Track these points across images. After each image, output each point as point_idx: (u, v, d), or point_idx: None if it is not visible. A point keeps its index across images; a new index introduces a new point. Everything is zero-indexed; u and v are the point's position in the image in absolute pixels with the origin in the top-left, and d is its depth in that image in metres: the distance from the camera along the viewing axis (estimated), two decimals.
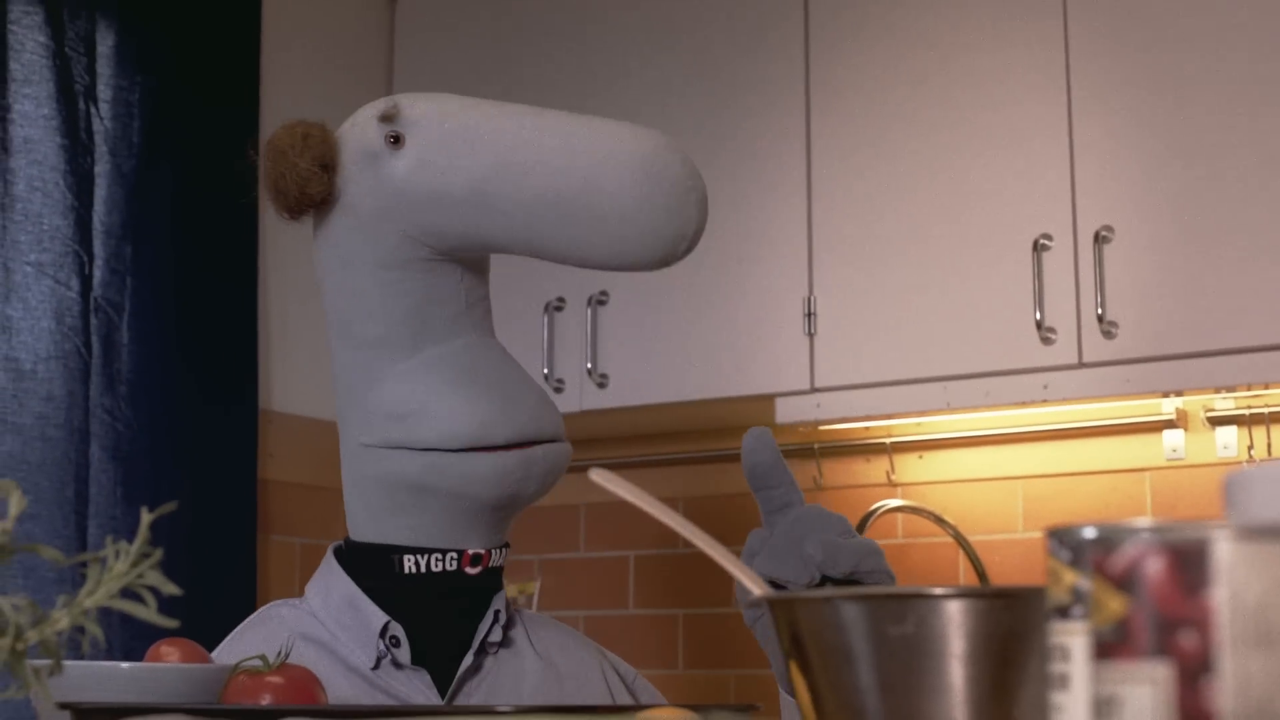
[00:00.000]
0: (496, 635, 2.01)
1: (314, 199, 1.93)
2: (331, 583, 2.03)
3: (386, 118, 1.92)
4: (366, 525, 2.01)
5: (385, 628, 1.96)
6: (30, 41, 3.65)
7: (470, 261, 1.99)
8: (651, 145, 1.85)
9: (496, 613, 2.02)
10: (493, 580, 2.03)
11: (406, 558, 1.98)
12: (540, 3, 4.36)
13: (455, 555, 1.98)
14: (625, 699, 2.13)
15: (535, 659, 2.05)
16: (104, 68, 3.82)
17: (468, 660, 1.98)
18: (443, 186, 1.89)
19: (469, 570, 1.99)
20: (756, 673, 4.18)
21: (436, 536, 1.97)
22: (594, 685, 2.09)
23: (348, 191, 1.93)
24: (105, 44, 3.83)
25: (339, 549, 2.08)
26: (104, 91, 3.82)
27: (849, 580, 1.70)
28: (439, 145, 1.90)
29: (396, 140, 1.91)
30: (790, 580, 1.67)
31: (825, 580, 1.70)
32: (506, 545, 2.05)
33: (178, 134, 3.93)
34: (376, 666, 1.94)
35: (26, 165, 3.62)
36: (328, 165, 1.92)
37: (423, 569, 1.97)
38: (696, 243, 1.87)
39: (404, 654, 1.95)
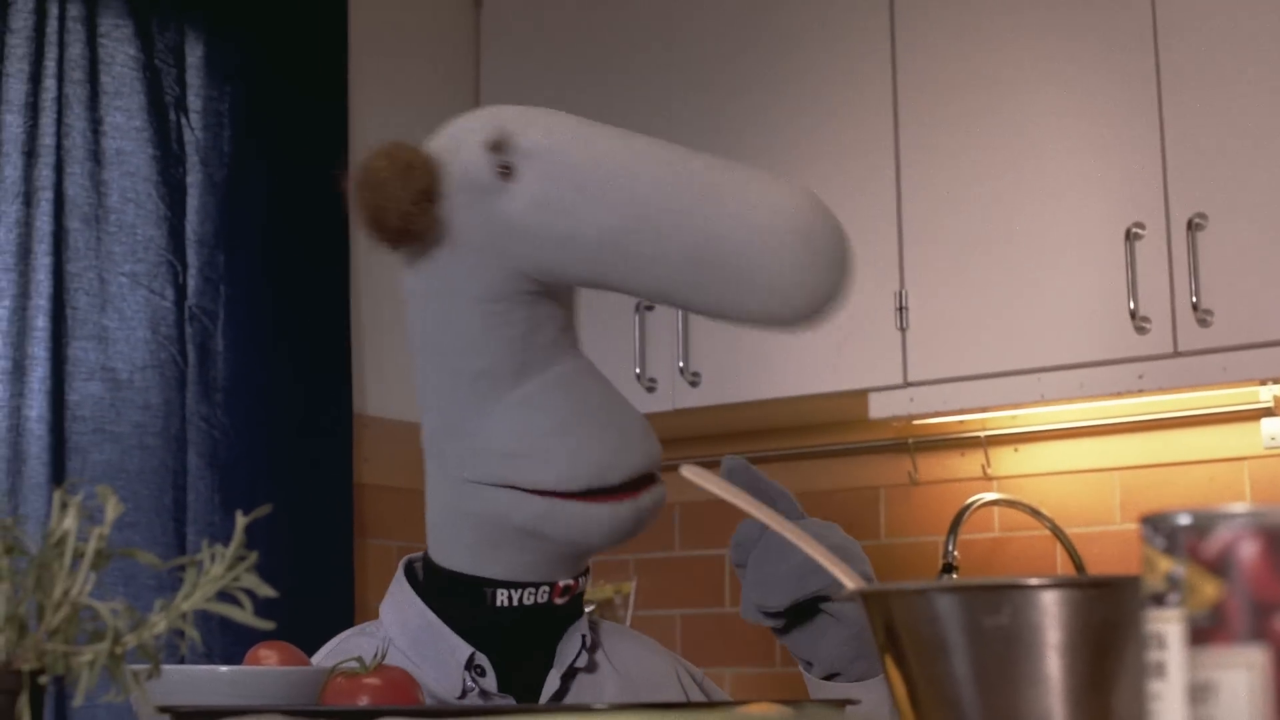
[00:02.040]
0: (583, 661, 2.00)
1: (417, 234, 1.83)
2: (407, 609, 2.01)
3: (496, 146, 1.82)
4: (458, 556, 1.97)
5: (470, 658, 1.95)
6: (120, 54, 3.68)
7: (563, 286, 1.94)
8: (807, 210, 1.78)
9: (583, 637, 2.01)
10: (574, 607, 2.02)
11: (499, 592, 1.95)
12: (625, 2, 4.36)
13: (548, 589, 1.96)
14: (699, 699, 2.12)
15: (613, 674, 2.04)
16: (193, 78, 3.86)
17: (554, 683, 1.97)
18: (568, 230, 1.80)
19: (558, 601, 1.98)
20: None
21: (532, 573, 1.95)
22: (671, 691, 2.08)
23: (453, 223, 1.84)
24: (194, 55, 3.86)
25: (410, 566, 2.07)
26: (194, 102, 3.85)
27: (806, 603, 1.78)
28: (559, 183, 1.81)
29: (508, 171, 1.81)
30: (766, 623, 1.77)
31: (779, 614, 1.79)
32: (588, 571, 2.04)
33: (267, 142, 3.95)
34: (463, 697, 1.92)
35: (119, 177, 3.65)
36: (432, 197, 1.82)
37: (514, 603, 1.95)
38: (841, 303, 1.83)
39: (490, 683, 1.94)
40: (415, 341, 1.97)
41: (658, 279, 1.81)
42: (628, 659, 2.08)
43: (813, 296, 1.78)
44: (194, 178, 3.81)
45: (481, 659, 1.94)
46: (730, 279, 1.77)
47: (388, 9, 4.48)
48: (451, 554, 1.98)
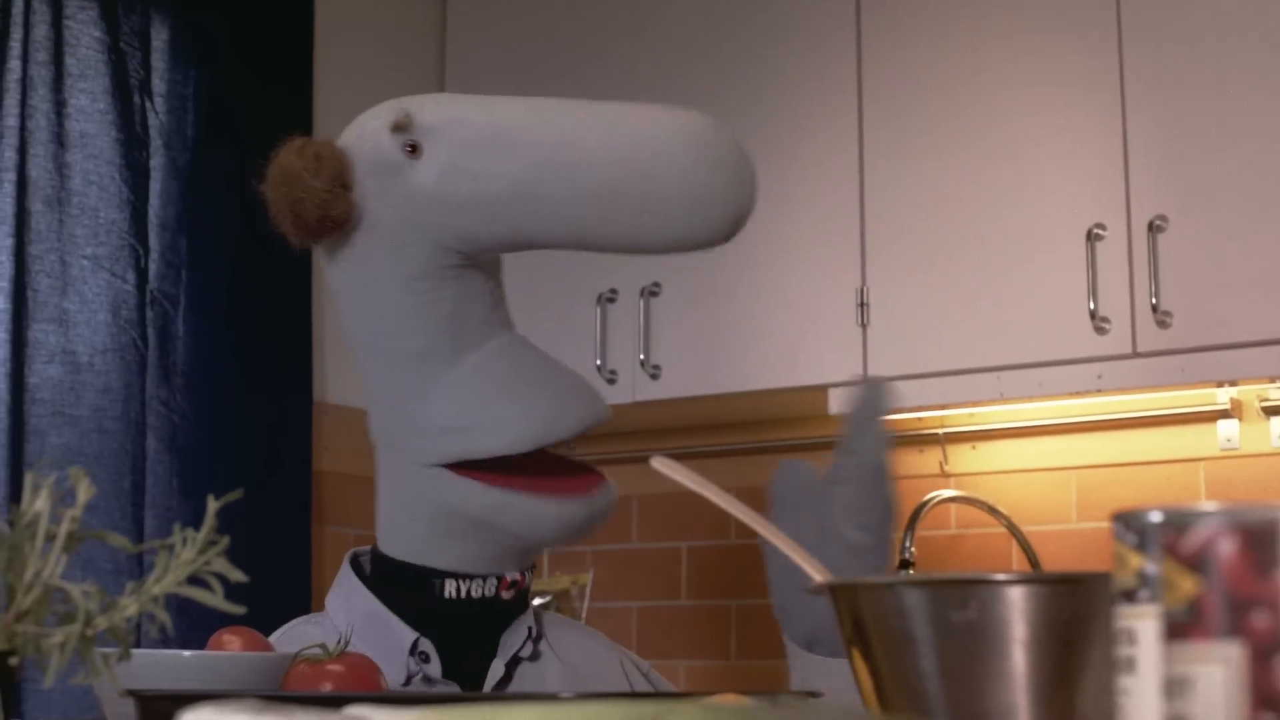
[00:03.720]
0: (527, 650, 2.01)
1: (336, 221, 1.87)
2: (353, 598, 2.02)
3: (399, 127, 1.87)
4: (408, 545, 1.98)
5: (415, 644, 1.95)
6: (85, 37, 3.67)
7: (487, 261, 1.97)
8: (702, 128, 1.86)
9: (529, 629, 2.02)
10: (522, 600, 2.03)
11: (447, 582, 1.96)
12: None
13: (495, 581, 1.97)
14: (645, 691, 2.13)
15: (556, 662, 2.05)
16: (158, 62, 3.84)
17: (497, 670, 1.97)
18: (480, 191, 1.85)
19: (505, 594, 1.99)
20: None
21: (479, 564, 1.96)
22: (616, 681, 2.09)
23: (368, 208, 1.88)
24: (159, 38, 3.85)
25: (356, 559, 2.07)
26: (158, 85, 3.84)
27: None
28: (466, 150, 1.86)
29: (414, 149, 1.87)
30: None
31: None
32: (533, 565, 2.05)
33: (232, 127, 3.94)
34: (407, 683, 1.93)
35: (82, 160, 3.64)
36: (345, 183, 1.86)
37: (462, 594, 1.96)
38: (748, 218, 1.87)
39: (435, 669, 1.94)
40: (350, 335, 2.00)
41: (572, 220, 1.86)
42: (572, 649, 2.09)
43: (722, 211, 1.84)
44: (157, 161, 3.80)
45: (426, 645, 1.95)
46: (641, 206, 1.83)
47: None
48: (402, 544, 1.99)
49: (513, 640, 2.00)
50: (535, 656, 2.03)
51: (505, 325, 1.99)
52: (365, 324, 1.96)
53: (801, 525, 1.82)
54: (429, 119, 1.88)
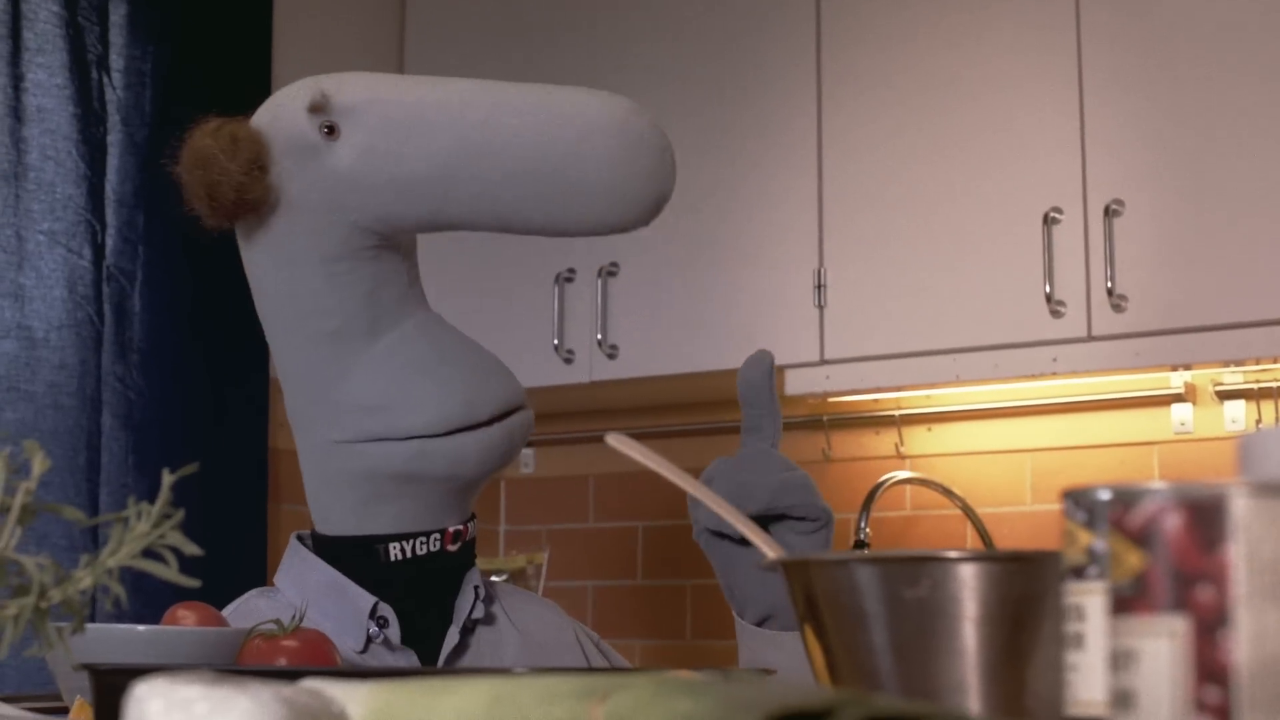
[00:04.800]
0: (480, 612, 2.01)
1: (253, 203, 1.86)
2: (306, 571, 2.01)
3: (316, 108, 1.86)
4: (343, 519, 1.98)
5: (374, 608, 1.95)
6: (43, 11, 3.65)
7: (404, 241, 1.97)
8: (622, 112, 1.86)
9: (476, 588, 2.02)
10: (467, 555, 2.03)
11: (392, 546, 1.96)
12: None
13: (438, 535, 1.97)
14: (600, 662, 2.14)
15: (513, 631, 2.05)
16: (116, 37, 3.83)
17: (453, 638, 1.98)
18: (398, 172, 1.84)
19: (450, 548, 1.99)
20: None
21: (419, 520, 1.96)
22: (571, 652, 2.10)
23: (285, 189, 1.87)
24: (118, 13, 3.84)
25: (303, 539, 2.07)
26: (116, 61, 3.82)
27: (773, 516, 1.77)
28: (385, 131, 1.85)
29: (331, 130, 1.85)
30: (724, 530, 1.78)
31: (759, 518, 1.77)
32: (473, 516, 2.05)
33: (190, 103, 3.89)
34: (365, 649, 1.93)
35: (39, 134, 3.63)
36: (262, 165, 1.85)
37: (408, 554, 1.97)
38: (668, 201, 1.88)
39: (394, 633, 1.94)
40: (265, 316, 1.99)
41: (492, 202, 1.86)
42: (528, 618, 2.09)
43: (642, 195, 1.85)
44: (115, 137, 3.79)
45: (385, 609, 1.95)
46: (560, 189, 1.83)
47: None
48: (336, 519, 1.99)
49: (464, 605, 2.00)
50: (489, 620, 2.03)
51: (421, 304, 1.99)
52: (281, 304, 1.95)
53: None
54: (347, 99, 1.87)
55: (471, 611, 2.00)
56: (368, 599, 1.95)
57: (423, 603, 1.99)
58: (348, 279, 1.90)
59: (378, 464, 1.93)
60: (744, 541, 1.84)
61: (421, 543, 1.97)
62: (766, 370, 1.92)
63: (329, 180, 1.86)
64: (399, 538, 1.96)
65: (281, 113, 1.89)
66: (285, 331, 1.96)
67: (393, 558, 1.96)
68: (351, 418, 1.92)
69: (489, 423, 1.94)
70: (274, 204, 1.88)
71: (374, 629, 1.94)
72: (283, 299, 1.94)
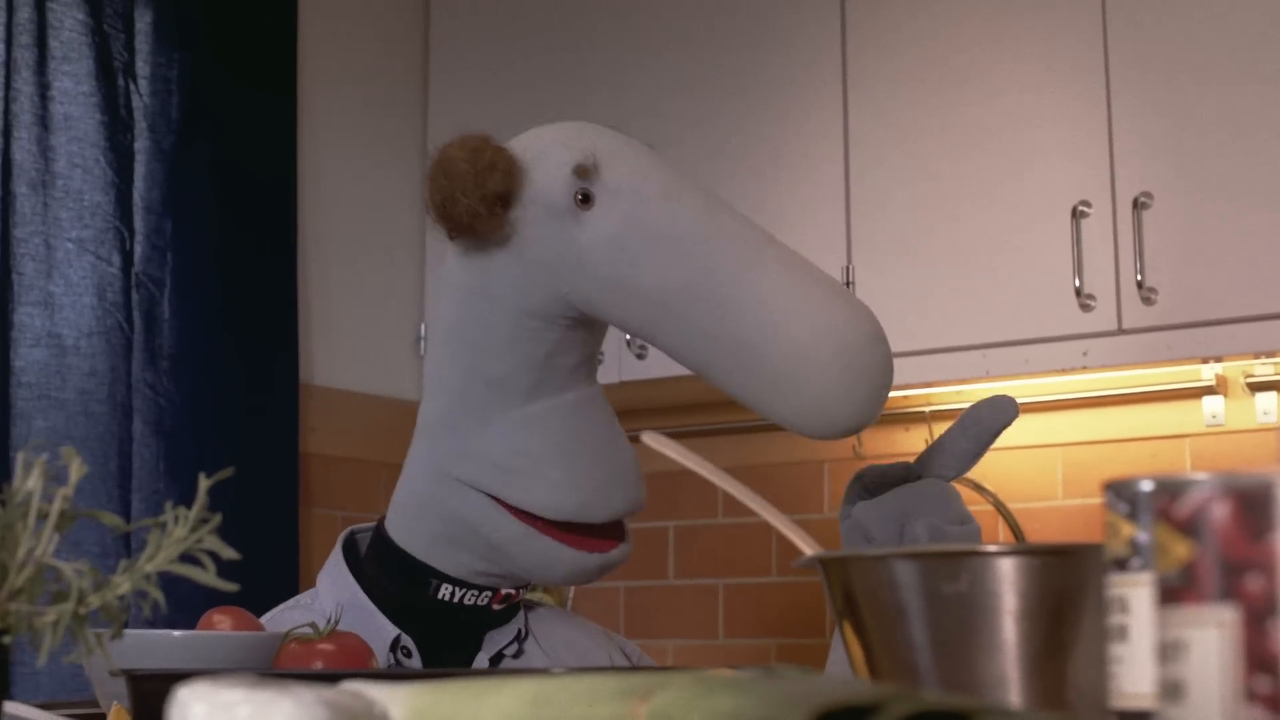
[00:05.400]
0: (512, 649, 2.02)
1: (481, 235, 1.83)
2: (341, 584, 2.02)
3: (582, 172, 1.82)
4: (416, 540, 1.98)
5: (396, 640, 1.95)
6: (69, 19, 3.66)
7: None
8: (863, 335, 1.81)
9: (519, 630, 2.02)
10: (510, 611, 2.04)
11: (443, 586, 1.96)
12: None
13: (489, 594, 1.98)
14: None
15: (541, 656, 2.05)
16: (142, 44, 3.83)
17: (482, 663, 1.98)
18: (626, 277, 1.81)
19: (496, 607, 1.99)
20: (797, 642, 4.19)
21: (480, 579, 1.97)
22: None
23: (519, 233, 1.84)
24: (143, 20, 3.84)
25: (352, 537, 2.07)
26: (142, 68, 3.82)
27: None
28: (634, 230, 1.81)
29: (587, 200, 1.82)
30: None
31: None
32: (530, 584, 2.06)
33: (216, 109, 3.93)
34: None
35: (67, 142, 3.63)
36: (506, 202, 1.82)
37: (454, 599, 1.97)
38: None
39: (415, 664, 1.95)
40: (441, 328, 1.96)
41: (701, 353, 1.83)
42: (558, 643, 2.09)
43: (843, 420, 1.82)
44: (142, 144, 3.79)
45: (408, 641, 1.95)
46: (769, 379, 1.80)
47: None
48: (410, 536, 1.99)
49: (499, 638, 2.00)
50: (519, 654, 2.03)
51: (589, 378, 1.98)
52: (462, 329, 1.93)
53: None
54: (614, 177, 1.83)
55: (505, 647, 2.00)
56: (391, 629, 1.95)
57: (450, 639, 1.99)
58: (534, 336, 1.88)
59: (481, 522, 1.92)
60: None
61: (472, 595, 1.97)
62: (1005, 420, 1.93)
63: (563, 248, 1.83)
64: (455, 582, 1.96)
65: (547, 161, 1.85)
66: (454, 354, 1.94)
67: (440, 596, 1.96)
68: (478, 465, 1.92)
69: (602, 530, 1.94)
70: (501, 241, 1.85)
71: (393, 661, 1.94)
72: (467, 325, 1.92)
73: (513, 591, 1.99)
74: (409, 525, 1.99)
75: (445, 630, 1.99)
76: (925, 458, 1.95)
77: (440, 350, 1.97)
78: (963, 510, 1.84)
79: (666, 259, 1.80)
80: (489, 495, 1.91)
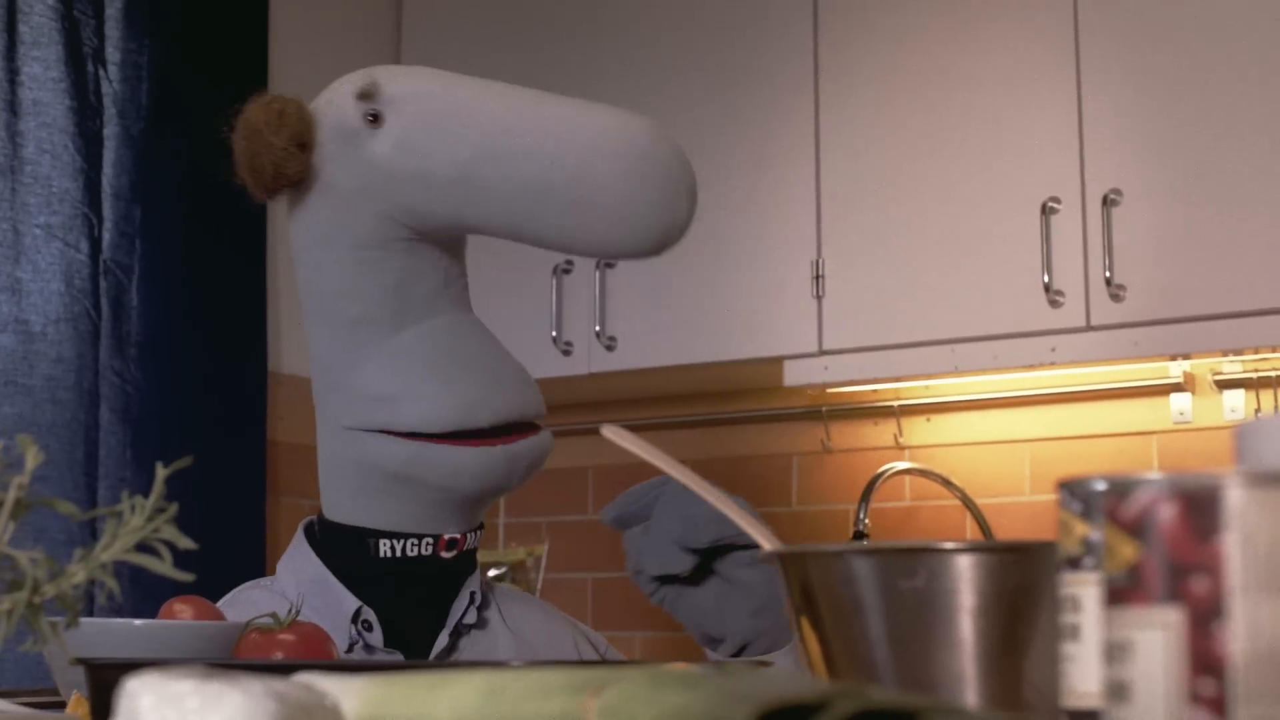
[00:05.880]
0: (471, 617, 2.01)
1: (290, 179, 1.89)
2: (301, 563, 2.02)
3: (365, 95, 1.89)
4: (342, 506, 1.99)
5: (358, 613, 1.95)
6: (39, 4, 3.64)
7: (447, 239, 1.97)
8: (643, 135, 1.84)
9: (472, 594, 2.01)
10: (466, 563, 2.03)
11: (382, 542, 1.96)
12: None
13: (431, 540, 1.97)
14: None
15: (508, 635, 2.04)
16: (112, 30, 3.82)
17: (443, 641, 1.97)
18: (425, 168, 1.86)
19: (444, 555, 1.98)
20: None
21: (413, 522, 1.96)
22: (567, 653, 2.09)
23: (325, 170, 1.90)
24: (114, 6, 3.83)
25: (310, 526, 2.07)
26: (112, 54, 3.81)
27: (721, 548, 1.78)
28: (421, 126, 1.87)
29: (375, 118, 1.88)
30: (678, 570, 1.78)
31: (699, 554, 1.77)
32: (480, 527, 2.04)
33: (186, 97, 3.92)
34: (349, 651, 1.93)
35: (36, 128, 3.62)
36: (304, 144, 1.88)
37: (398, 553, 1.96)
38: (684, 233, 1.87)
39: (376, 638, 1.94)
40: (300, 296, 2.02)
41: (507, 213, 1.86)
42: (522, 621, 2.08)
43: (650, 224, 1.84)
44: (111, 130, 3.78)
45: (368, 613, 1.95)
46: (570, 208, 1.83)
47: None
48: (337, 505, 2.00)
49: (456, 607, 2.00)
50: (482, 624, 2.03)
51: (456, 304, 1.99)
52: (312, 284, 1.97)
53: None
54: (393, 90, 1.90)
55: (464, 615, 1.99)
56: (352, 601, 1.95)
57: (413, 606, 1.99)
58: (375, 268, 1.92)
59: (377, 457, 1.93)
60: (692, 578, 1.85)
61: (413, 544, 1.96)
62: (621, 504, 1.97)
63: (365, 167, 1.89)
64: (391, 535, 1.96)
65: (334, 96, 1.93)
66: (314, 311, 1.98)
67: (382, 553, 1.96)
68: (360, 405, 1.94)
69: (491, 433, 1.93)
70: (311, 183, 1.91)
71: (355, 633, 1.94)
72: (314, 280, 1.97)
73: (458, 536, 1.98)
74: (333, 495, 2.01)
75: (404, 600, 1.98)
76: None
77: (306, 316, 2.01)
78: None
79: (452, 138, 1.86)
80: (378, 431, 1.93)
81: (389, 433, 1.92)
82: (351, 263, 1.92)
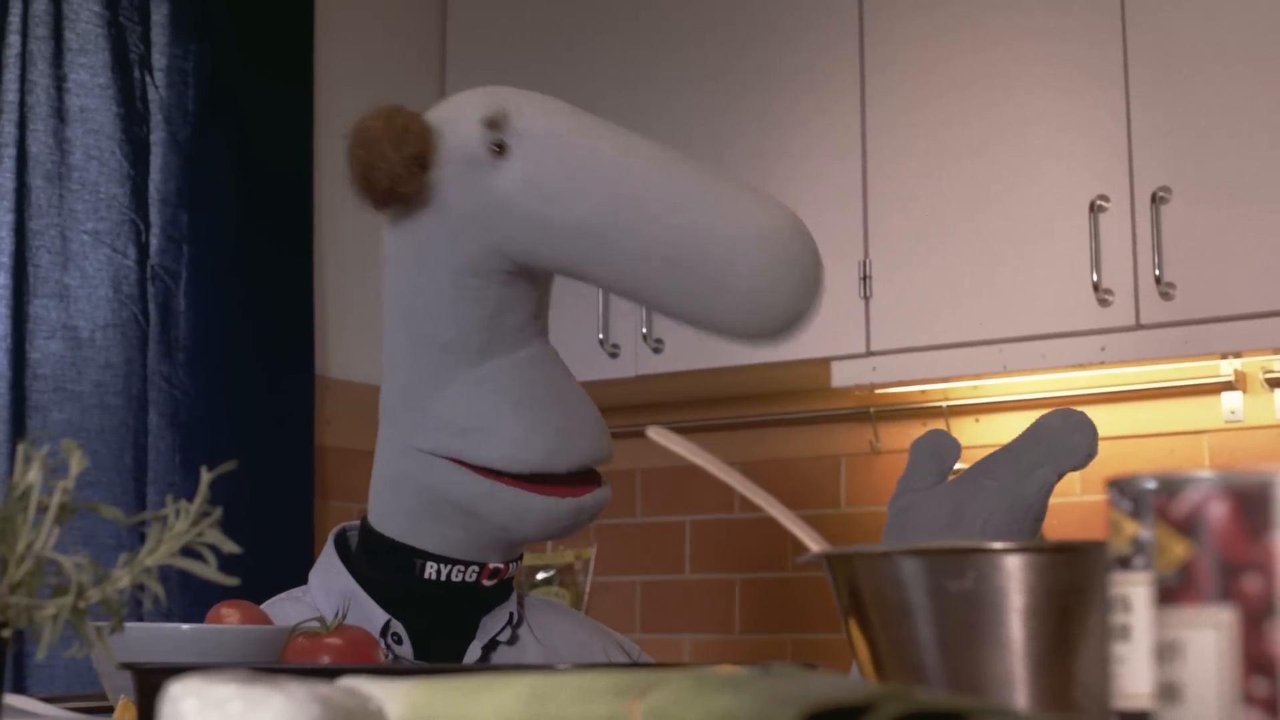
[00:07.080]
0: (506, 635, 2.01)
1: (404, 197, 1.86)
2: (332, 575, 2.02)
3: (493, 124, 1.85)
4: (395, 522, 1.98)
5: (387, 625, 1.95)
6: (85, 11, 3.66)
7: (541, 271, 1.95)
8: (785, 227, 1.81)
9: (510, 614, 2.01)
10: (503, 590, 2.03)
11: (429, 565, 1.96)
12: None
13: (477, 569, 1.97)
14: None
15: (536, 645, 2.04)
16: (158, 36, 3.83)
17: (474, 654, 1.97)
18: (548, 215, 1.83)
19: (486, 583, 1.98)
20: (813, 637, 4.18)
21: (461, 550, 1.96)
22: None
23: (441, 193, 1.87)
24: (159, 13, 3.84)
25: (341, 535, 2.07)
26: (158, 60, 3.82)
27: None
28: (550, 168, 1.84)
29: (501, 149, 1.84)
30: None
31: None
32: (520, 557, 2.04)
33: (232, 101, 3.93)
34: None
35: (83, 134, 3.63)
36: (424, 163, 1.85)
37: (442, 578, 1.96)
38: (809, 323, 1.86)
39: (406, 651, 1.94)
40: (387, 306, 1.98)
41: (630, 276, 1.83)
42: (553, 633, 2.08)
43: (779, 315, 1.81)
44: (158, 136, 3.79)
45: (398, 627, 1.95)
46: (701, 285, 1.79)
47: None
48: (389, 520, 1.99)
49: (492, 624, 2.00)
50: (513, 641, 2.03)
51: (540, 335, 1.98)
52: (405, 300, 1.95)
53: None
54: (524, 124, 1.86)
55: (499, 633, 1.99)
56: (381, 615, 1.95)
57: (442, 622, 1.99)
58: (473, 296, 1.89)
59: (447, 486, 1.92)
60: None
61: (459, 571, 1.96)
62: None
63: (484, 197, 1.85)
64: (439, 559, 1.96)
65: (458, 117, 1.89)
66: (402, 327, 1.96)
67: (427, 576, 1.96)
68: (438, 431, 1.92)
69: (564, 480, 1.93)
70: (425, 203, 1.88)
71: (384, 646, 1.93)
72: (408, 295, 1.94)
73: (501, 566, 1.98)
74: (385, 509, 2.00)
75: (438, 617, 1.98)
76: (990, 463, 1.96)
77: (389, 329, 1.98)
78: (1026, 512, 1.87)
79: (582, 190, 1.82)
80: (452, 460, 1.92)
81: (462, 464, 1.91)
82: (450, 287, 1.89)
